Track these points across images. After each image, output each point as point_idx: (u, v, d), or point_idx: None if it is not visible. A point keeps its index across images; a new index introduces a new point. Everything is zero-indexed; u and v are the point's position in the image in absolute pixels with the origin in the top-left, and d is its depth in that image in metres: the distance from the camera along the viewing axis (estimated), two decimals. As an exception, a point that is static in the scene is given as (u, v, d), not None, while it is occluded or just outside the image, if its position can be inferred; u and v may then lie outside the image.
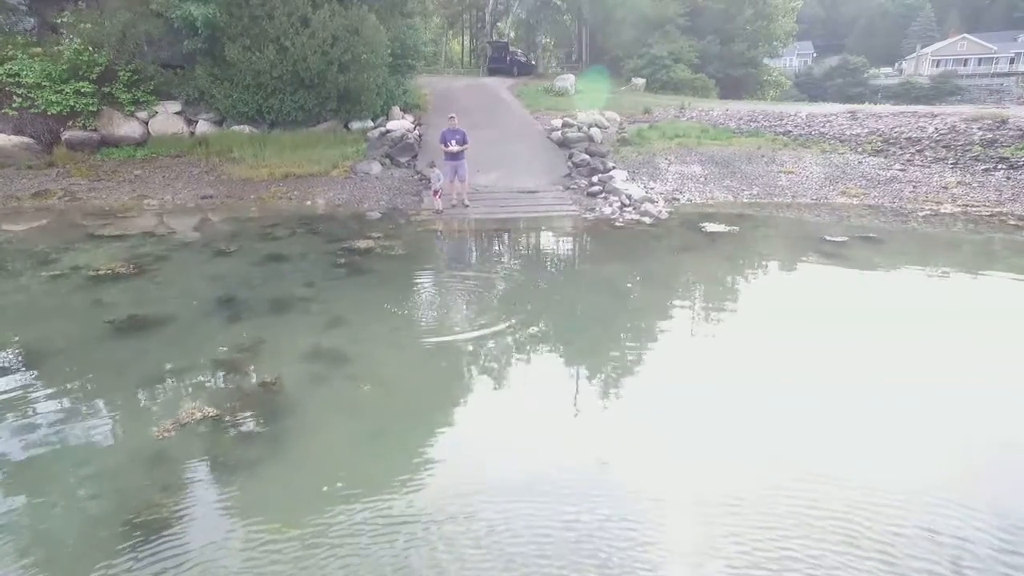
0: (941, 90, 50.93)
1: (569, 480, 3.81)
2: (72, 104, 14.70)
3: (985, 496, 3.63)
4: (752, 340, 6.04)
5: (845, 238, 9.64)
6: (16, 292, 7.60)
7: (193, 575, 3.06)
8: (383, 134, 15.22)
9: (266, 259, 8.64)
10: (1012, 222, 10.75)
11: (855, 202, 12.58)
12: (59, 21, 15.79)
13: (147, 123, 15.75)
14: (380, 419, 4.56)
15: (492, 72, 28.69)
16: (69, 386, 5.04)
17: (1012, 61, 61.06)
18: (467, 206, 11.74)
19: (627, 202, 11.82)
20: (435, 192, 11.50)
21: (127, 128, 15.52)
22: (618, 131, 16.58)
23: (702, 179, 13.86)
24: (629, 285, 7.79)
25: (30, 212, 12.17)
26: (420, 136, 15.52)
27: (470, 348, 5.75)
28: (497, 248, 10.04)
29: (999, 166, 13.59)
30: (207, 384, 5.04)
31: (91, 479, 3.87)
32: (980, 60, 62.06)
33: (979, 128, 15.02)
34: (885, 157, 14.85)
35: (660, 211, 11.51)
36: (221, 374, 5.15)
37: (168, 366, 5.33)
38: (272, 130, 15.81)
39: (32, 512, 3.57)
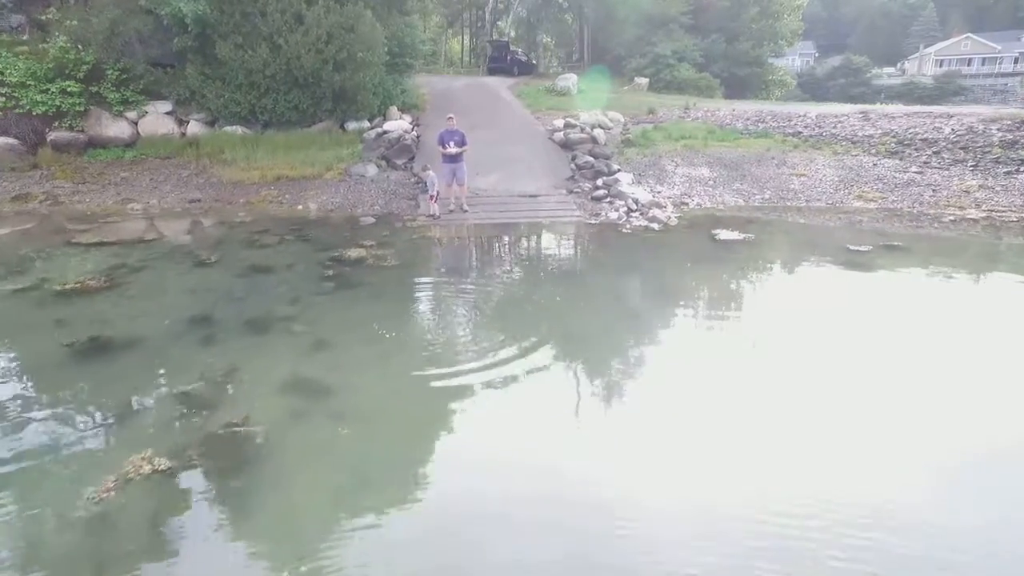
0: (945, 90, 50.43)
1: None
2: (58, 104, 14.12)
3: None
4: (785, 368, 5.43)
5: (869, 247, 9.04)
6: (-30, 309, 6.90)
7: None
8: (380, 135, 14.63)
9: (249, 270, 8.05)
10: (1042, 228, 10.19)
11: (872, 207, 11.99)
12: (46, 18, 15.19)
13: (136, 124, 15.14)
14: (365, 467, 3.96)
15: (492, 71, 28.12)
16: (1, 426, 4.31)
17: (1016, 61, 60.47)
18: (466, 211, 11.16)
19: (634, 207, 11.23)
20: (431, 196, 10.92)
21: (116, 129, 14.91)
22: (622, 132, 15.99)
23: (711, 182, 13.28)
24: (645, 304, 7.22)
25: (9, 217, 11.54)
26: (418, 137, 14.93)
27: (467, 380, 5.05)
28: (496, 257, 9.44)
29: (1021, 168, 13.03)
30: (166, 424, 4.38)
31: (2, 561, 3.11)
32: (984, 60, 61.46)
33: (998, 129, 14.46)
34: (900, 159, 14.27)
35: (669, 217, 10.92)
36: (182, 411, 4.52)
37: (125, 400, 4.70)
38: (265, 131, 15.19)
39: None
